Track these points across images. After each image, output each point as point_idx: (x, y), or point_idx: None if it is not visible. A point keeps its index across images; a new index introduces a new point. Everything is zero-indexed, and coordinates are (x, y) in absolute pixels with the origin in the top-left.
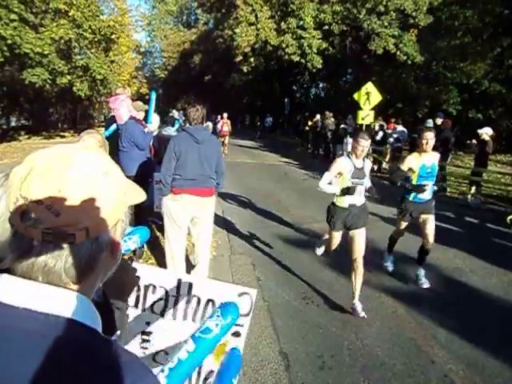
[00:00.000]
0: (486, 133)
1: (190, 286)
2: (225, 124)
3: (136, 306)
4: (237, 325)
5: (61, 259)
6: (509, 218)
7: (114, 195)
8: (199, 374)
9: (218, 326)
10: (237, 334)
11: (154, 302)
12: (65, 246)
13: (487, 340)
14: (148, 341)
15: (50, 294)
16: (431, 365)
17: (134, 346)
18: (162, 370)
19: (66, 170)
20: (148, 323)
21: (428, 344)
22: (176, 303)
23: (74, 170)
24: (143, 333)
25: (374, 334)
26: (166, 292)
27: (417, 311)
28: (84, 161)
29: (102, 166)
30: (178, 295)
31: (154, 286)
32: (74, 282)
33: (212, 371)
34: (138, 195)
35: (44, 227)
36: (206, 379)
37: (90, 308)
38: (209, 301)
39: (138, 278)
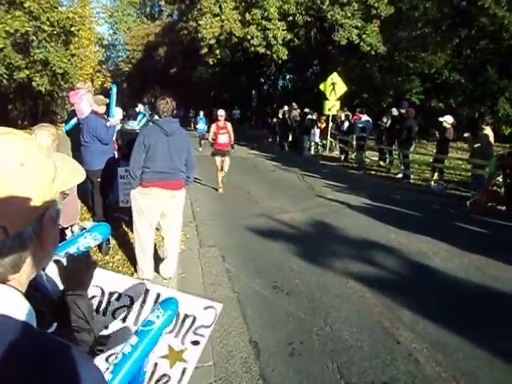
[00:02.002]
0: (446, 121)
1: (158, 295)
2: (222, 130)
3: (97, 311)
4: (197, 334)
5: None
6: (468, 202)
7: (35, 186)
8: (152, 376)
9: (160, 319)
10: (196, 343)
11: (117, 309)
12: None
13: (449, 319)
14: (104, 344)
15: None
16: (397, 345)
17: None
18: (107, 367)
19: None
20: (106, 327)
21: (394, 325)
22: (140, 311)
23: None
24: (100, 336)
25: (343, 318)
26: (131, 300)
27: (383, 295)
28: None
29: (19, 157)
30: (144, 304)
31: (120, 294)
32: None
33: (165, 375)
34: (76, 176)
35: None
36: (158, 381)
37: (22, 302)
38: None
39: (96, 264)
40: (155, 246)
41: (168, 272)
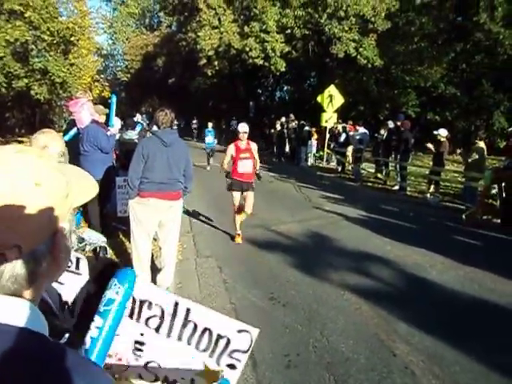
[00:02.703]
0: (440, 134)
1: (188, 310)
2: (244, 154)
3: (131, 316)
4: (233, 358)
5: None
6: (464, 215)
7: (49, 205)
8: None
9: (119, 294)
10: (232, 367)
11: (149, 317)
12: None
13: (445, 332)
14: (141, 350)
15: None
16: (393, 358)
17: (127, 351)
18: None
19: None
20: (142, 334)
21: (390, 338)
22: (172, 324)
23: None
24: (136, 342)
25: (339, 330)
26: (162, 311)
27: (379, 307)
28: (11, 171)
29: (34, 177)
30: (175, 317)
31: (150, 303)
32: (13, 296)
33: None
34: (88, 190)
35: None
36: None
37: (35, 313)
38: (205, 329)
39: (115, 264)
40: (152, 255)
41: (165, 282)
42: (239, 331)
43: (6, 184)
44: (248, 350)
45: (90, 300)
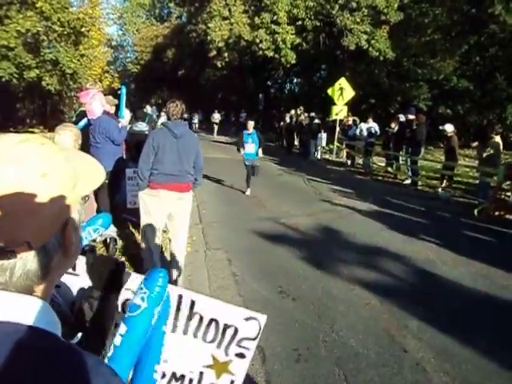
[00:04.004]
0: (446, 130)
1: (193, 303)
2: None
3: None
4: (242, 347)
5: (4, 274)
6: (476, 210)
7: (57, 197)
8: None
9: (145, 300)
10: (241, 356)
11: None
12: (6, 261)
13: (457, 328)
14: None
15: (2, 301)
16: (404, 354)
17: None
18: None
19: None
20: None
21: (401, 334)
22: (176, 317)
23: (4, 178)
24: None
25: (349, 325)
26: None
27: (390, 302)
28: (15, 163)
29: (39, 167)
30: (179, 310)
31: None
32: (24, 292)
33: None
34: (97, 178)
35: None
36: None
37: (48, 312)
38: (212, 320)
39: (124, 264)
40: (162, 247)
41: (174, 274)
42: (247, 319)
43: (10, 177)
44: (257, 337)
45: (94, 304)
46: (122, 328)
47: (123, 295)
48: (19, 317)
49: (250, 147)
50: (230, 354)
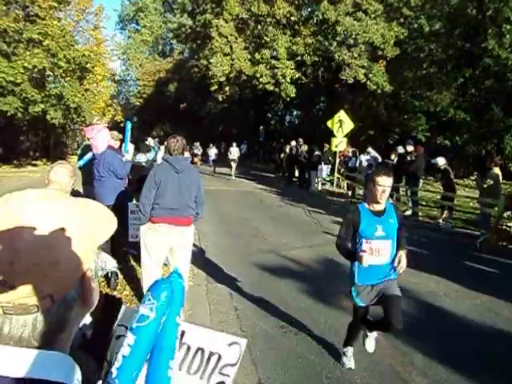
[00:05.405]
0: (438, 163)
1: (183, 333)
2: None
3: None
4: (223, 374)
5: (27, 328)
6: (478, 241)
7: (78, 248)
8: None
9: (154, 310)
10: None
11: None
12: (30, 316)
13: (463, 364)
14: None
15: (18, 356)
16: None
17: None
18: (111, 372)
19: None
20: None
21: (406, 370)
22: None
23: (26, 232)
24: None
25: (353, 361)
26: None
27: (394, 337)
28: (38, 218)
29: (61, 221)
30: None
31: None
32: (46, 345)
33: None
34: (109, 226)
35: (3, 301)
36: None
37: (68, 363)
38: (198, 349)
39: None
40: None
41: None
42: (229, 344)
43: (48, 229)
44: (236, 362)
45: (88, 344)
46: (130, 338)
47: (117, 332)
48: (41, 372)
49: None
50: (211, 383)
